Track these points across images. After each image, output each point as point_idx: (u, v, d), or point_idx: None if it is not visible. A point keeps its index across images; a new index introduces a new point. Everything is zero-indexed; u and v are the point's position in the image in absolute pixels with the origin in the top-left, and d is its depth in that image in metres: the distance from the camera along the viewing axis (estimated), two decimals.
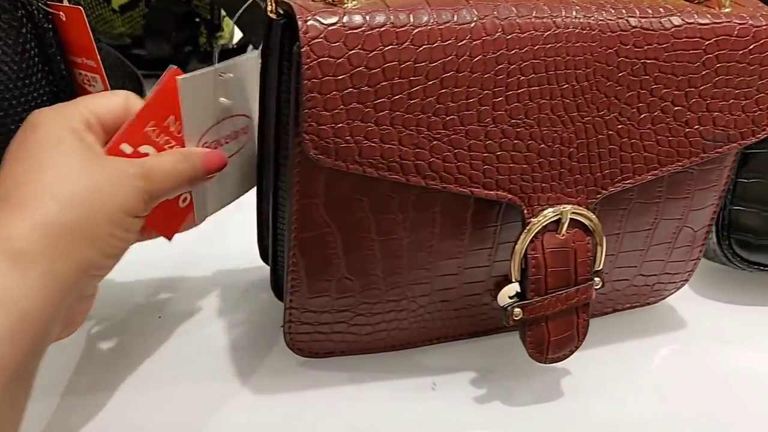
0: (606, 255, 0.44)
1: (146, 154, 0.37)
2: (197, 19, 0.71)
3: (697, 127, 0.41)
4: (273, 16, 0.36)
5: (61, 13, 0.39)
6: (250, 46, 0.69)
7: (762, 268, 0.53)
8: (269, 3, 0.36)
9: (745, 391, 0.46)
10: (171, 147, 0.39)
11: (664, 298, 0.52)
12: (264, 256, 0.49)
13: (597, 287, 0.42)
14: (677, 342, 0.50)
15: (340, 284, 0.40)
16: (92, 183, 0.33)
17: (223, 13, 0.73)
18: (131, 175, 0.35)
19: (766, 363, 0.49)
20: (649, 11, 0.39)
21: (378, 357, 0.45)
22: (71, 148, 0.34)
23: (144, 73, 0.63)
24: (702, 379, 0.47)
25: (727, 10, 0.42)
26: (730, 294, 0.54)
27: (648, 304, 0.52)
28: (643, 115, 0.40)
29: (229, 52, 0.73)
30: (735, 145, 0.42)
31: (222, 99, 0.40)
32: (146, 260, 0.43)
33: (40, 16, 0.39)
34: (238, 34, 0.80)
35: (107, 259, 0.35)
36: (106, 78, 0.41)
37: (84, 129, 0.35)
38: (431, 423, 0.42)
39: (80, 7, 0.39)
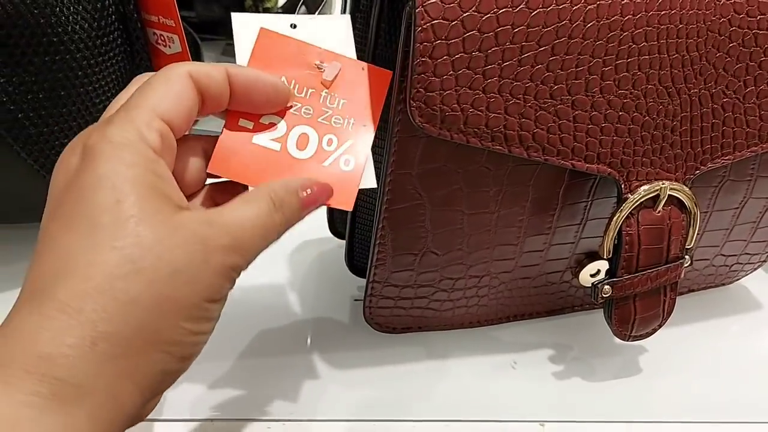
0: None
1: (272, 124, 0.32)
2: None
3: None
4: None
5: None
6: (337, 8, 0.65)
7: None
8: None
9: None
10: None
11: (738, 279, 0.51)
12: (333, 229, 0.47)
13: (686, 265, 0.40)
14: (752, 322, 0.49)
15: (425, 258, 0.39)
16: (168, 268, 0.25)
17: None
18: (219, 249, 0.26)
19: None
20: None
21: (455, 333, 0.44)
22: (138, 209, 0.25)
23: (198, 36, 0.61)
24: None
25: None
26: None
27: (723, 284, 0.51)
28: (749, 89, 0.38)
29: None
30: None
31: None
32: None
33: None
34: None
35: (182, 363, 0.26)
36: (185, 38, 0.39)
37: (155, 158, 0.26)
38: (514, 400, 0.40)
39: None
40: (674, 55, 0.36)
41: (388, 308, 0.41)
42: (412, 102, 0.32)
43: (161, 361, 0.25)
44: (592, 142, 0.36)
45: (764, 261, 0.49)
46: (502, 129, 0.34)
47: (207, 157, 0.31)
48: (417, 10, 0.31)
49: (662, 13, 0.35)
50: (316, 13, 0.62)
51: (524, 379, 0.42)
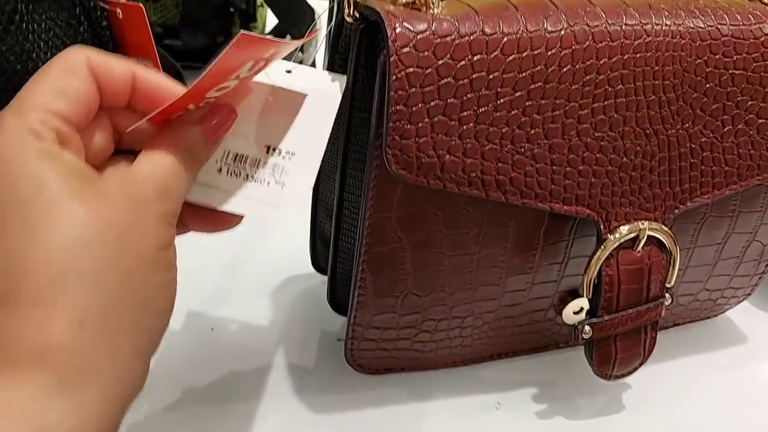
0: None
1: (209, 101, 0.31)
2: (231, 9, 0.69)
3: None
4: (350, 19, 0.34)
5: (118, 10, 0.37)
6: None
7: None
8: (347, 5, 0.34)
9: None
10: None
11: (723, 312, 0.51)
12: (316, 264, 0.47)
13: (666, 303, 0.40)
14: (737, 355, 0.49)
15: (407, 300, 0.39)
16: (113, 232, 0.25)
17: (258, 1, 0.71)
18: (150, 200, 0.27)
19: None
20: (739, 18, 0.38)
21: (438, 373, 0.43)
22: (63, 188, 0.25)
23: (182, 64, 0.61)
24: (760, 396, 0.45)
25: None
26: None
27: (708, 317, 0.51)
28: (726, 128, 0.38)
29: None
30: None
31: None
32: (192, 269, 0.40)
33: (98, 13, 0.37)
34: (270, 24, 0.78)
35: (162, 318, 0.27)
36: (168, 72, 0.38)
37: (58, 149, 0.26)
38: None
39: (140, 5, 0.36)
40: (651, 96, 0.36)
41: (370, 350, 0.41)
42: (388, 150, 0.32)
43: (144, 320, 0.26)
44: (570, 185, 0.36)
45: (749, 294, 0.49)
46: (479, 174, 0.34)
47: (113, 129, 0.30)
48: (391, 59, 0.31)
49: (638, 55, 0.35)
50: (298, 48, 0.62)
51: (508, 420, 0.41)
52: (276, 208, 0.32)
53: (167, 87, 0.30)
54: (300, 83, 0.34)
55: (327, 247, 0.45)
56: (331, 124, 0.33)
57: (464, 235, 0.37)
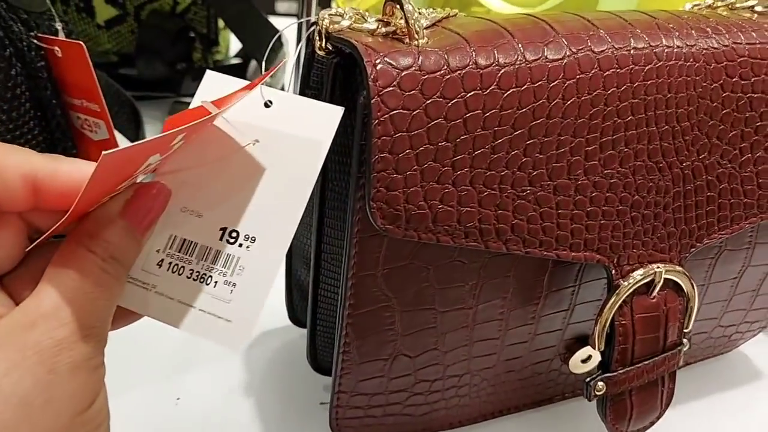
0: None
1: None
2: (191, 34, 0.64)
3: None
4: (322, 53, 0.30)
5: (56, 48, 0.33)
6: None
7: None
8: (317, 37, 0.29)
9: None
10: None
11: (737, 347, 0.47)
12: (293, 316, 0.43)
13: (685, 350, 0.37)
14: (752, 393, 0.45)
15: (396, 363, 0.34)
16: (15, 399, 0.20)
17: (221, 24, 0.66)
18: (58, 349, 0.21)
19: None
20: (755, 35, 0.34)
21: None
22: None
23: (133, 94, 0.56)
24: None
25: None
26: None
27: (721, 353, 0.47)
28: (745, 156, 0.34)
29: (225, 69, 0.66)
30: None
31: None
32: (151, 331, 0.35)
33: (32, 53, 0.32)
34: (234, 47, 0.73)
35: None
36: (111, 124, 0.34)
37: None
38: None
39: (81, 43, 0.32)
40: (664, 126, 0.32)
41: (357, 418, 0.36)
42: (372, 203, 0.27)
43: None
44: (577, 229, 0.32)
45: (764, 327, 0.46)
46: (477, 224, 0.30)
47: (25, 227, 0.25)
48: (373, 101, 0.26)
49: (648, 82, 0.31)
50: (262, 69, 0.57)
51: None
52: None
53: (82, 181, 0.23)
54: (279, 125, 0.29)
55: (304, 297, 0.41)
56: (309, 192, 0.28)
57: (458, 288, 0.33)
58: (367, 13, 0.30)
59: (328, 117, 0.28)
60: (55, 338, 0.21)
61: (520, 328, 0.36)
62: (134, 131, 0.50)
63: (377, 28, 0.29)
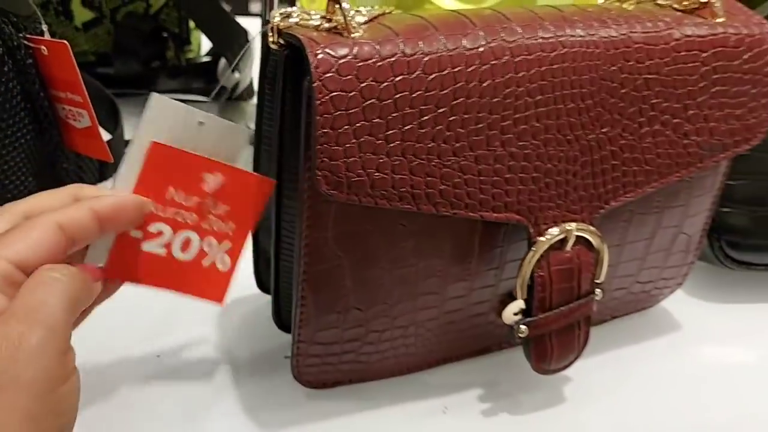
0: (609, 266, 0.44)
1: (159, 233, 0.36)
2: (165, 34, 0.69)
3: (695, 138, 0.41)
4: (275, 47, 0.35)
5: (42, 47, 0.37)
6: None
7: (751, 267, 0.54)
8: (271, 33, 0.35)
9: (742, 388, 0.47)
10: (198, 214, 0.37)
11: (658, 302, 0.53)
12: (261, 285, 0.48)
13: (597, 299, 0.42)
14: (672, 343, 0.51)
15: (349, 315, 0.40)
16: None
17: (192, 24, 0.71)
18: (27, 334, 0.28)
19: (760, 359, 0.50)
20: (650, 25, 0.39)
21: (386, 382, 0.44)
22: None
23: (112, 92, 0.61)
24: (699, 379, 0.47)
25: (721, 20, 0.42)
26: (722, 293, 0.56)
27: (644, 308, 0.53)
28: (644, 129, 0.40)
29: (197, 67, 0.71)
30: (729, 153, 0.43)
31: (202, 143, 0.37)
32: (136, 300, 0.40)
33: (22, 52, 0.37)
34: (205, 46, 0.78)
35: (68, 417, 0.30)
36: (93, 113, 0.39)
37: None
38: None
39: (65, 42, 0.37)
40: (570, 104, 0.38)
41: (315, 366, 0.41)
42: (318, 172, 0.33)
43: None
44: (498, 193, 0.37)
45: (680, 283, 0.51)
46: (409, 189, 0.35)
47: None
48: (315, 85, 0.31)
49: (555, 66, 0.37)
50: (231, 68, 0.62)
51: (455, 422, 0.43)
52: None
53: (125, 207, 0.34)
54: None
55: (269, 265, 0.46)
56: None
57: (402, 248, 0.38)
58: (312, 12, 0.35)
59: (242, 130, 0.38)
60: (18, 329, 0.28)
61: (457, 284, 0.41)
62: (114, 124, 0.55)
63: (320, 24, 0.34)
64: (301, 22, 0.35)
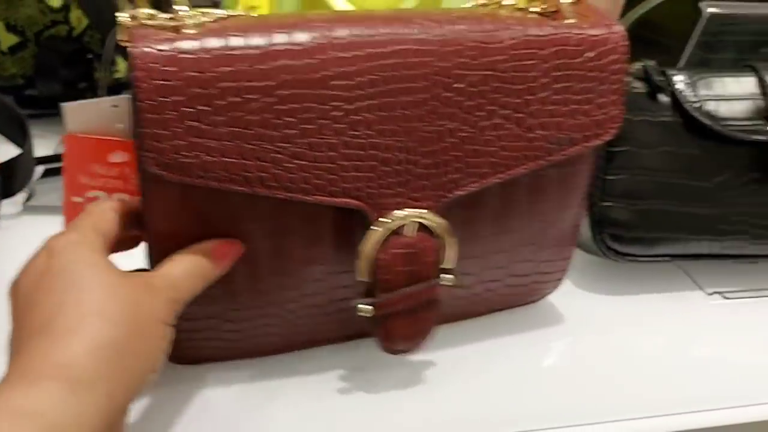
0: (474, 258, 0.47)
1: (96, 198, 0.45)
2: (90, 55, 0.72)
3: (540, 132, 0.44)
4: (123, 44, 0.39)
5: None
6: None
7: (635, 259, 0.56)
8: (121, 32, 0.38)
9: (629, 376, 0.49)
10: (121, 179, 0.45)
11: (544, 296, 0.54)
12: None
13: (450, 284, 0.44)
14: (559, 335, 0.53)
15: (204, 293, 0.42)
16: (133, 298, 0.35)
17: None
18: (162, 288, 0.38)
19: (646, 348, 0.52)
20: (490, 26, 0.42)
21: (254, 362, 0.47)
22: (105, 268, 0.36)
23: (41, 112, 0.66)
24: (586, 369, 0.50)
25: (570, 21, 0.45)
26: (609, 285, 0.57)
27: (530, 302, 0.54)
28: (485, 123, 0.43)
29: (124, 86, 0.74)
30: (579, 147, 0.45)
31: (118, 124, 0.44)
32: None
33: None
34: None
35: (152, 373, 0.36)
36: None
37: (105, 251, 0.38)
38: (301, 420, 0.44)
39: None
40: (405, 98, 0.40)
41: (180, 341, 0.44)
42: (145, 153, 0.36)
43: (142, 365, 0.35)
44: (334, 179, 0.40)
45: (561, 278, 0.53)
46: (242, 172, 0.38)
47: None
48: (136, 74, 0.35)
49: (387, 62, 0.40)
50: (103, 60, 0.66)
51: (315, 403, 0.45)
52: None
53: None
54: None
55: None
56: None
57: (248, 229, 0.41)
58: (156, 12, 0.39)
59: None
60: (161, 282, 0.38)
61: (313, 267, 0.44)
62: (22, 140, 0.59)
63: (162, 23, 0.38)
64: (147, 22, 0.38)
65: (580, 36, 0.44)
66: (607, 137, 0.46)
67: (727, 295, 0.57)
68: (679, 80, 0.55)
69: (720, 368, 0.51)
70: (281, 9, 0.66)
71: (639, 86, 0.55)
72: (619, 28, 0.45)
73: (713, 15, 0.58)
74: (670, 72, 0.56)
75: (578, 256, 0.56)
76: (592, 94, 0.44)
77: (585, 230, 0.56)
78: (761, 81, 0.56)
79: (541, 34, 0.43)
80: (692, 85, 0.55)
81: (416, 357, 0.48)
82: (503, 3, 0.47)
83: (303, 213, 0.41)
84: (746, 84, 0.56)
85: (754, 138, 0.54)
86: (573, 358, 0.51)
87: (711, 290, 0.58)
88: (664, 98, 0.55)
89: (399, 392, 0.46)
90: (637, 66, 0.55)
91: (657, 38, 0.67)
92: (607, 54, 0.44)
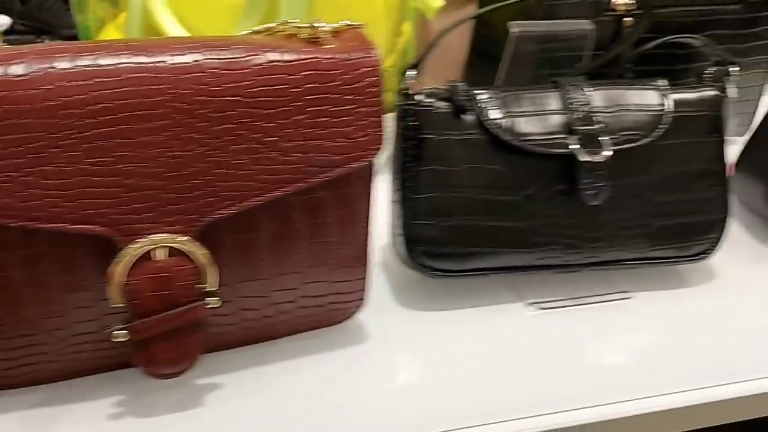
0: (260, 280, 0.47)
1: None
2: None
3: (297, 154, 0.44)
4: None
5: None
6: None
7: (449, 274, 0.56)
8: None
9: (436, 391, 0.50)
10: None
11: (350, 316, 0.55)
12: None
13: (215, 306, 0.44)
14: (363, 352, 0.53)
15: None
16: None
17: None
18: None
19: (457, 361, 0.53)
20: (236, 53, 0.43)
21: (36, 390, 0.47)
22: None
23: None
24: (396, 385, 0.51)
25: (330, 46, 0.46)
26: (429, 301, 0.58)
27: (336, 323, 0.54)
28: (234, 147, 0.43)
29: None
30: (342, 169, 0.46)
31: None
32: None
33: None
34: None
35: None
36: None
37: None
38: None
39: None
40: (140, 125, 0.41)
41: None
42: None
43: None
44: (73, 206, 0.41)
45: (362, 299, 0.53)
46: None
47: None
48: None
49: (119, 90, 0.41)
50: None
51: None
52: None
53: None
54: None
55: None
56: None
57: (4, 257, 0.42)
58: None
59: None
60: None
61: (77, 294, 0.44)
62: None
63: None
64: None
65: (332, 60, 0.45)
66: (371, 158, 0.46)
67: (544, 305, 0.58)
68: (483, 98, 0.56)
69: (528, 377, 0.51)
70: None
71: (443, 106, 0.55)
72: (376, 53, 0.46)
73: (520, 34, 0.59)
74: (475, 91, 0.56)
75: (404, 273, 0.57)
76: (350, 116, 0.45)
77: (401, 248, 0.56)
78: (564, 96, 0.57)
79: (290, 59, 0.44)
80: (496, 102, 0.56)
81: (197, 380, 0.48)
82: (275, 31, 0.48)
83: (53, 240, 0.42)
84: (550, 99, 0.57)
85: (554, 152, 0.55)
86: (378, 374, 0.51)
87: (530, 302, 0.58)
88: (469, 117, 0.56)
89: (173, 416, 0.47)
90: (442, 87, 0.56)
91: (499, 54, 0.68)
92: (362, 77, 0.45)
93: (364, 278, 0.52)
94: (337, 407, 0.48)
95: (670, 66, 0.73)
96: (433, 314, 0.57)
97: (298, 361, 0.52)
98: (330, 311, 0.53)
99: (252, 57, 0.43)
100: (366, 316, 0.55)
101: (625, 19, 0.73)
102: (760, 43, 0.82)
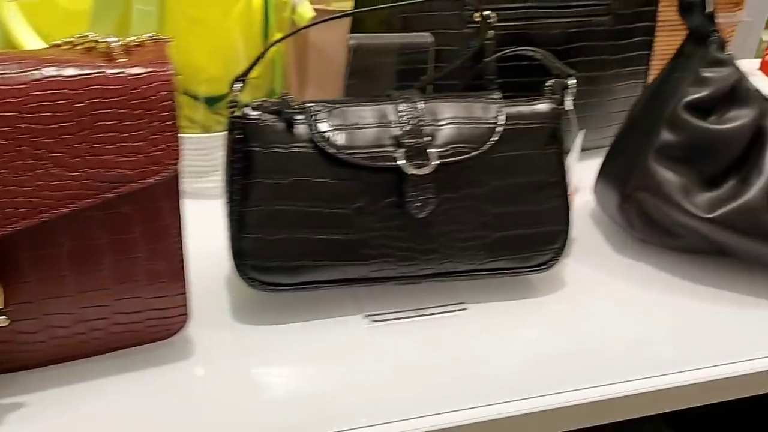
0: (65, 297, 0.47)
1: None
2: None
3: (85, 170, 0.44)
4: None
5: None
6: None
7: (280, 288, 0.56)
8: None
9: (258, 409, 0.50)
10: None
11: (175, 333, 0.54)
12: None
13: (3, 326, 0.44)
14: (189, 367, 0.53)
15: None
16: None
17: None
18: None
19: (280, 376, 0.53)
20: (13, 69, 0.43)
21: None
22: None
23: None
24: (219, 406, 0.50)
25: (122, 60, 0.45)
26: (268, 315, 0.58)
27: (159, 339, 0.54)
28: (16, 163, 0.43)
29: None
30: (137, 184, 0.45)
31: None
32: None
33: None
34: None
35: None
36: None
37: None
38: None
39: None
40: None
41: None
42: None
43: None
44: None
45: (185, 314, 0.52)
46: None
47: None
48: None
49: None
50: None
51: None
52: None
53: None
54: None
55: None
56: None
57: None
58: None
59: None
60: None
61: None
62: None
63: None
64: None
65: (120, 75, 0.44)
66: (167, 173, 0.46)
67: (377, 318, 0.58)
68: (315, 111, 0.56)
69: (354, 390, 0.52)
70: None
71: (270, 119, 0.55)
72: (170, 67, 0.45)
73: (358, 47, 0.59)
74: (308, 104, 0.56)
75: (246, 288, 0.56)
76: (142, 131, 0.45)
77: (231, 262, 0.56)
78: (395, 109, 0.57)
79: (72, 74, 0.43)
80: (327, 115, 0.56)
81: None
82: (75, 44, 0.47)
83: None
84: (383, 112, 0.57)
85: (382, 165, 0.55)
86: (194, 394, 0.51)
87: (366, 314, 0.58)
88: (301, 129, 0.55)
89: None
90: (273, 99, 0.56)
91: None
92: (153, 92, 0.45)
93: (183, 293, 0.52)
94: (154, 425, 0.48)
95: (538, 78, 0.74)
96: (270, 328, 0.57)
97: (109, 380, 0.51)
98: (149, 328, 0.53)
99: (29, 72, 0.43)
100: (200, 331, 0.55)
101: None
102: (633, 54, 0.83)
